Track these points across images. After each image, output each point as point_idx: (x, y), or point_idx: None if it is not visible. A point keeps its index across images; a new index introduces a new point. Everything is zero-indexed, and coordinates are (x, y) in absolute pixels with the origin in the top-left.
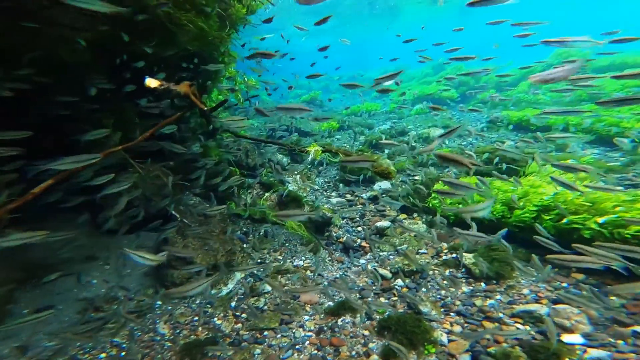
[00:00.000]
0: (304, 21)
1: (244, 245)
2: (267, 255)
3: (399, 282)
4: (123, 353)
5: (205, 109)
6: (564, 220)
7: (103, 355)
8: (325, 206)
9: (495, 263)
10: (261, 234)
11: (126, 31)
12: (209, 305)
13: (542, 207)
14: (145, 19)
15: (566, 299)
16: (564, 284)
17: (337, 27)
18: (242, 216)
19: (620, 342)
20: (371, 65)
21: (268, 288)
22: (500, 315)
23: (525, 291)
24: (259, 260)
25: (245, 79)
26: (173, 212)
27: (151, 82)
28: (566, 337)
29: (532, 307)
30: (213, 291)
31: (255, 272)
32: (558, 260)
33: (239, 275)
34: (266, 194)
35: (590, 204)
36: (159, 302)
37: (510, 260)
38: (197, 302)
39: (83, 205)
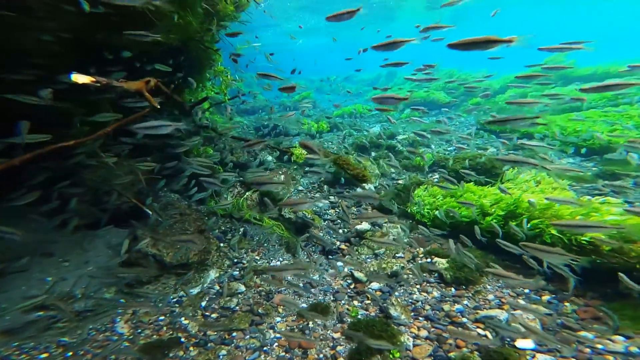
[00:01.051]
0: (298, 17)
1: (221, 245)
2: (245, 255)
3: (374, 285)
4: (69, 353)
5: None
6: (528, 225)
7: (44, 355)
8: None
9: (465, 269)
10: (240, 233)
11: (100, 22)
12: (177, 305)
13: (508, 212)
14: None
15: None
16: (526, 290)
17: (331, 26)
18: (222, 215)
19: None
20: (364, 66)
21: (242, 288)
22: (465, 320)
23: (491, 297)
24: (235, 260)
25: (229, 76)
26: (145, 209)
27: (78, 78)
28: (519, 343)
29: (494, 312)
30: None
31: (229, 271)
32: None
33: (213, 275)
34: (247, 193)
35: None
36: (122, 300)
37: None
38: (165, 301)
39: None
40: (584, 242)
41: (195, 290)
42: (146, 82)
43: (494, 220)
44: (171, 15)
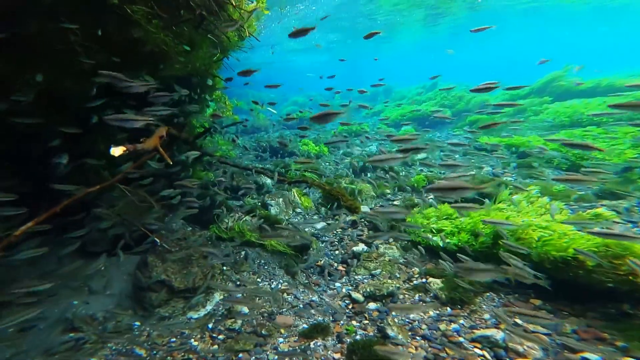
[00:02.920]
0: (305, 37)
1: (224, 268)
2: (246, 277)
3: (371, 305)
4: None
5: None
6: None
7: None
8: (306, 229)
9: (459, 289)
10: (242, 256)
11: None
12: (186, 327)
13: (494, 233)
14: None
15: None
16: (522, 309)
17: (332, 43)
18: (224, 239)
19: None
20: (364, 83)
21: (245, 310)
22: (461, 339)
23: (486, 316)
24: (238, 283)
25: (227, 102)
26: (155, 238)
27: (116, 151)
28: None
29: (490, 332)
30: (191, 313)
31: (233, 293)
32: None
33: (217, 297)
34: (246, 218)
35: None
36: (137, 323)
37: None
38: (176, 322)
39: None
40: (568, 258)
41: (202, 313)
42: (159, 136)
43: (484, 241)
44: (179, 54)
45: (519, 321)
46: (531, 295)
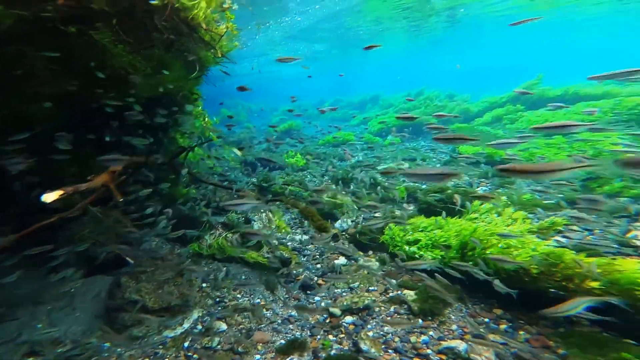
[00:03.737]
0: (285, 46)
1: (203, 285)
2: (227, 294)
3: (348, 319)
4: None
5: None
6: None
7: None
8: (288, 244)
9: (429, 300)
10: (222, 273)
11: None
12: (161, 346)
13: (462, 243)
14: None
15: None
16: (486, 319)
17: (318, 53)
18: (204, 256)
19: None
20: (352, 91)
21: (223, 327)
22: (429, 351)
23: (454, 327)
24: (217, 299)
25: (207, 119)
26: (127, 258)
27: (48, 197)
28: None
29: (455, 343)
30: (167, 332)
31: (212, 310)
32: None
33: (196, 314)
34: (227, 234)
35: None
36: (107, 345)
37: (443, 297)
38: (150, 342)
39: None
40: (515, 266)
41: (179, 331)
42: (111, 172)
43: (453, 252)
44: (149, 75)
45: (482, 331)
46: (495, 305)
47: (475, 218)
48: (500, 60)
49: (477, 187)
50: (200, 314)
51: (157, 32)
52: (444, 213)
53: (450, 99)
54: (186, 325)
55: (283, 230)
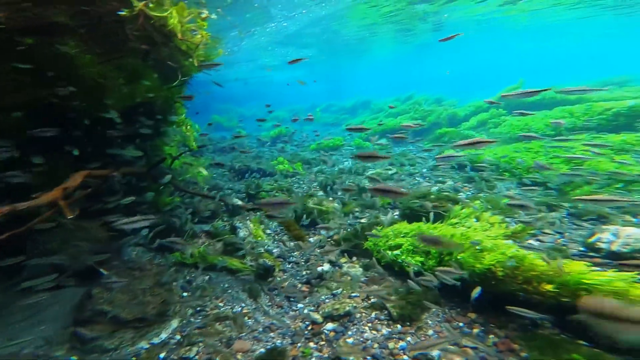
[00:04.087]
0: (272, 51)
1: (184, 294)
2: (208, 303)
3: (329, 325)
4: None
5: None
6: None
7: None
8: (274, 251)
9: (408, 306)
10: (205, 281)
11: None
12: (134, 358)
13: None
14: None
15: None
16: (461, 324)
17: (312, 58)
18: (187, 265)
19: None
20: (345, 96)
21: (202, 337)
22: (405, 357)
23: (430, 332)
24: (198, 308)
25: (189, 127)
26: (100, 270)
27: None
28: None
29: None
30: (142, 343)
31: (192, 320)
32: None
33: (174, 324)
34: (211, 242)
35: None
36: (73, 358)
37: (421, 303)
38: (123, 354)
39: None
40: (484, 270)
41: (155, 342)
42: (63, 189)
43: (433, 258)
44: (122, 85)
45: (457, 336)
46: (469, 309)
47: (456, 223)
48: (488, 64)
49: (460, 192)
50: (180, 324)
51: (130, 42)
52: (423, 219)
53: (438, 104)
54: (164, 335)
55: (259, 238)
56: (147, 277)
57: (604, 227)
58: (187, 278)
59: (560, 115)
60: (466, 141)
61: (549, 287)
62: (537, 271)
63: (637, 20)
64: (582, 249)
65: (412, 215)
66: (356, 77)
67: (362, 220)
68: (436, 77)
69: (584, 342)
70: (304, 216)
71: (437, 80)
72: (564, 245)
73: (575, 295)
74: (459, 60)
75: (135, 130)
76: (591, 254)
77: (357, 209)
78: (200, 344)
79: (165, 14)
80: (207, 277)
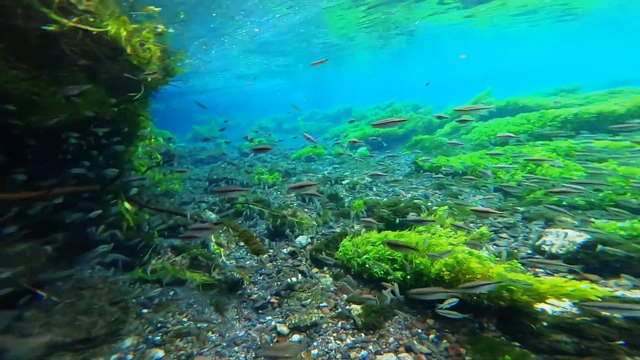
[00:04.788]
0: (245, 60)
1: (144, 311)
2: (171, 319)
3: (295, 337)
4: None
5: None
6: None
7: None
8: (247, 263)
9: (372, 314)
10: (169, 296)
11: None
12: None
13: (404, 255)
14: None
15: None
16: (419, 330)
17: (291, 66)
18: (149, 280)
19: None
20: (328, 104)
21: (160, 354)
22: None
23: (391, 339)
24: (158, 325)
25: (153, 140)
26: (37, 291)
27: None
28: None
29: (387, 357)
30: None
31: (150, 337)
32: None
33: (128, 343)
34: (176, 258)
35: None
36: None
37: (385, 311)
38: None
39: None
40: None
41: None
42: None
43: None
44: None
45: (415, 342)
46: (429, 315)
47: (423, 230)
48: (463, 72)
49: (430, 199)
50: (135, 342)
51: (67, 57)
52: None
53: (415, 111)
54: (113, 356)
55: (218, 251)
56: (97, 295)
57: (547, 230)
58: (150, 294)
59: (519, 122)
60: (382, 120)
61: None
62: (472, 273)
63: (580, 28)
64: (529, 251)
65: (383, 223)
66: (339, 85)
67: (337, 230)
68: (416, 84)
69: (517, 344)
70: (279, 226)
71: (417, 87)
72: (515, 248)
73: (495, 294)
74: (436, 68)
75: (94, 146)
76: (537, 256)
77: (332, 219)
78: None
79: (106, 28)
80: (171, 293)
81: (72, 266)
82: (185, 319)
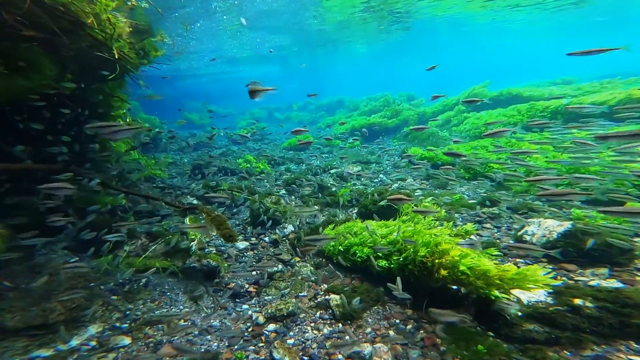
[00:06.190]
0: (242, 39)
1: (113, 297)
2: (141, 306)
3: (271, 327)
4: None
5: None
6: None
7: None
8: (228, 251)
9: (351, 304)
10: (141, 284)
11: None
12: None
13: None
14: None
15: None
16: (397, 320)
17: (282, 50)
18: (121, 267)
19: None
20: (322, 94)
21: (126, 342)
22: (340, 357)
23: (368, 330)
24: (127, 312)
25: (128, 120)
26: None
27: None
28: None
29: (362, 347)
30: (40, 351)
31: (117, 325)
32: None
33: (93, 330)
34: (150, 244)
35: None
36: None
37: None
38: None
39: None
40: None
41: (61, 348)
42: None
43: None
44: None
45: (391, 332)
46: (407, 306)
47: (407, 219)
48: (460, 63)
49: (419, 189)
50: (100, 329)
51: (10, 28)
52: (375, 216)
53: (409, 102)
54: (74, 342)
55: (193, 237)
56: (57, 281)
57: (529, 220)
58: (120, 281)
59: (510, 113)
60: None
61: (444, 272)
62: (443, 258)
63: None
64: (511, 241)
65: (366, 212)
66: (334, 75)
67: (322, 218)
68: (412, 75)
69: (491, 334)
70: (262, 215)
71: (414, 77)
72: (498, 239)
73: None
74: (433, 59)
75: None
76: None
77: (316, 207)
78: (121, 350)
79: None
80: (144, 280)
81: (36, 251)
82: (156, 307)
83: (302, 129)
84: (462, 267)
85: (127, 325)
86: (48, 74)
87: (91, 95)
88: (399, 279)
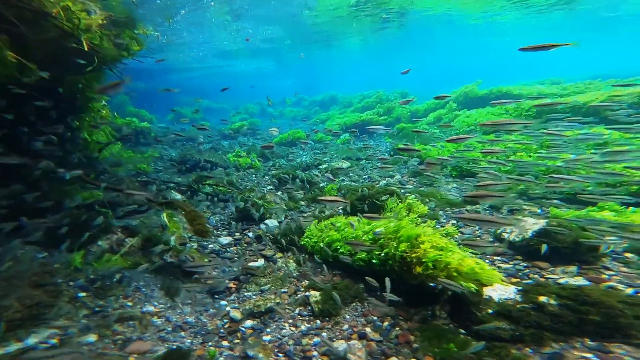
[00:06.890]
0: (231, 27)
1: (82, 294)
2: (113, 303)
3: (248, 323)
4: None
5: None
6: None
7: None
8: (210, 246)
9: (329, 301)
10: (115, 280)
11: None
12: None
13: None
14: None
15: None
16: (375, 317)
17: (273, 43)
18: (93, 263)
19: None
20: (316, 91)
21: (91, 339)
22: (315, 353)
23: (345, 327)
24: (97, 309)
25: (106, 112)
26: None
27: None
28: None
29: (337, 344)
30: None
31: (84, 322)
32: None
33: (55, 328)
34: (127, 241)
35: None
36: None
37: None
38: None
39: None
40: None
41: (12, 348)
42: None
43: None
44: None
45: (368, 329)
46: (386, 303)
47: (391, 216)
48: (454, 62)
49: (405, 186)
50: (63, 327)
51: None
52: (359, 214)
53: (401, 99)
54: (31, 340)
55: (172, 232)
56: (18, 277)
57: (509, 217)
58: (92, 277)
59: (498, 112)
60: None
61: (419, 269)
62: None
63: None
64: (490, 239)
65: (353, 208)
66: (328, 71)
67: (306, 215)
68: (406, 73)
69: (463, 331)
70: (246, 210)
71: (408, 75)
72: (478, 236)
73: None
74: (428, 57)
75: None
76: (496, 244)
77: (303, 203)
78: (84, 347)
79: None
80: (118, 275)
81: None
82: (130, 303)
83: (275, 129)
84: (428, 262)
85: (95, 322)
86: (9, 64)
87: (66, 88)
88: (387, 280)
